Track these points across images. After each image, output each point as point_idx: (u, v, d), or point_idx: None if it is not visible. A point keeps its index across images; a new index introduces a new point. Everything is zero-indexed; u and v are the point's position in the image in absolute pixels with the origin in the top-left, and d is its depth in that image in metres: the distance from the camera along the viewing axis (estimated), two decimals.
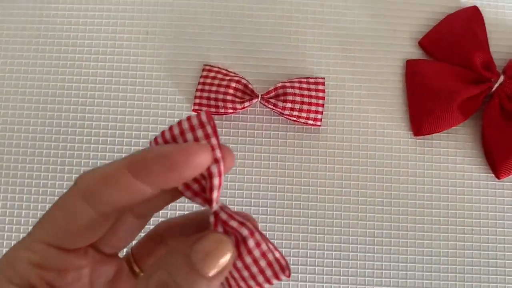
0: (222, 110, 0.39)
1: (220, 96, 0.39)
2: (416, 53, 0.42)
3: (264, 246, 0.23)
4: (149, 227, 0.31)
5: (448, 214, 0.40)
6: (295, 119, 0.40)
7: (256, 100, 0.39)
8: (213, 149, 0.22)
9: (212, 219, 0.23)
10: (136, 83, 0.42)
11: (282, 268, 0.24)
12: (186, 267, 0.21)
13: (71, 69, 0.42)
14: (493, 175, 0.41)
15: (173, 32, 0.42)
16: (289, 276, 0.23)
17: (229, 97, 0.39)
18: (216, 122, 0.41)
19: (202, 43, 0.42)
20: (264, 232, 0.39)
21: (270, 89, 0.40)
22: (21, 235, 0.40)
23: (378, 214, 0.40)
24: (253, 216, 0.40)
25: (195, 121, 0.23)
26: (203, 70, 0.41)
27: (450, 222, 0.40)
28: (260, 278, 0.24)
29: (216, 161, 0.22)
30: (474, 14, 0.41)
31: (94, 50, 0.42)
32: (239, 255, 0.23)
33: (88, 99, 0.41)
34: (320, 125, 0.40)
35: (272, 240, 0.40)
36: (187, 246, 0.22)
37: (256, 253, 0.23)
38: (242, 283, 0.24)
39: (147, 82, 0.42)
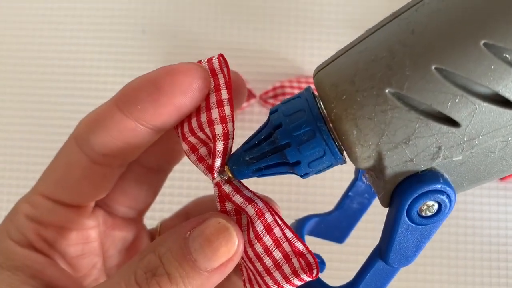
0: None
1: None
2: None
3: (277, 232, 0.18)
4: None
5: (450, 215, 0.40)
6: None
7: (254, 100, 0.39)
8: (221, 105, 0.18)
9: (216, 192, 0.19)
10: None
11: (306, 266, 0.18)
12: (181, 255, 0.18)
13: (66, 69, 0.41)
14: None
15: (169, 31, 0.42)
16: (315, 278, 0.18)
17: None
18: None
19: (199, 42, 0.42)
20: None
21: (268, 88, 0.39)
22: None
23: (377, 216, 0.39)
24: None
25: (204, 67, 0.19)
26: None
27: (451, 223, 0.40)
28: (278, 275, 0.19)
29: (223, 120, 0.18)
30: None
31: (89, 49, 0.42)
32: (250, 241, 0.18)
33: (84, 99, 0.41)
34: None
35: None
36: (186, 229, 0.18)
37: (267, 240, 0.18)
38: (259, 278, 0.19)
39: None
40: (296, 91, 0.39)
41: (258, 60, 0.41)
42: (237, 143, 0.42)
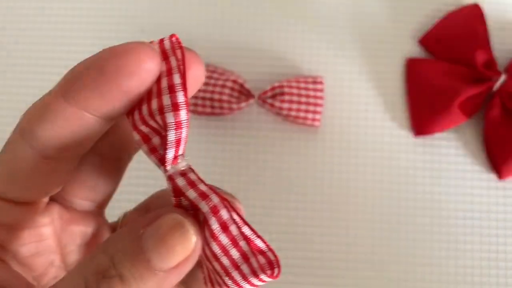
0: (218, 111, 0.39)
1: (216, 96, 0.38)
2: (416, 52, 0.42)
3: (234, 229, 0.17)
4: None
5: (449, 215, 0.40)
6: (292, 119, 0.39)
7: (252, 100, 0.39)
8: (173, 90, 0.16)
9: (169, 186, 0.17)
10: None
11: (270, 264, 0.17)
12: (134, 255, 0.16)
13: (65, 69, 0.41)
14: (495, 175, 0.40)
15: (169, 30, 0.42)
16: (276, 277, 0.17)
17: (225, 97, 0.38)
18: (212, 122, 0.40)
19: (198, 42, 0.42)
20: (260, 232, 0.38)
21: (267, 88, 0.39)
22: None
23: (377, 216, 0.39)
24: (250, 217, 0.39)
25: (156, 49, 0.17)
26: None
27: (450, 223, 0.39)
28: (237, 275, 0.17)
29: (175, 107, 0.16)
30: (475, 12, 0.40)
31: (88, 49, 0.41)
32: (205, 241, 0.17)
33: None
34: (318, 125, 0.40)
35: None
36: (139, 227, 0.17)
37: (223, 239, 0.17)
38: (219, 278, 0.18)
39: None
40: (295, 91, 0.39)
41: (256, 60, 0.41)
42: (234, 142, 0.42)
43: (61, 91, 0.17)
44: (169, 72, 0.17)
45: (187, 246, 0.16)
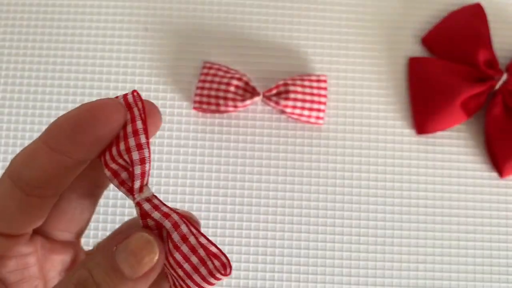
0: (223, 108, 0.39)
1: (221, 94, 0.38)
2: (419, 51, 0.42)
3: (192, 240, 0.21)
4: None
5: (451, 212, 0.40)
6: (296, 117, 0.39)
7: (257, 98, 0.39)
8: (137, 133, 0.20)
9: (137, 211, 0.21)
10: (136, 80, 0.41)
11: (220, 266, 0.21)
12: (108, 267, 0.20)
13: (69, 67, 0.41)
14: (496, 173, 0.40)
15: (173, 29, 0.42)
16: (228, 275, 0.21)
17: (230, 95, 0.38)
18: (217, 120, 0.40)
19: (203, 40, 0.42)
20: (265, 230, 0.38)
21: (271, 86, 0.39)
22: None
23: (380, 213, 0.40)
24: (254, 215, 0.39)
25: (120, 102, 0.21)
26: (203, 67, 0.40)
27: (452, 220, 0.40)
28: (197, 278, 0.21)
29: (139, 147, 0.20)
30: (477, 11, 0.41)
31: (92, 47, 0.41)
32: (170, 252, 0.21)
33: (85, 97, 0.41)
34: (322, 124, 0.40)
35: (272, 240, 0.39)
36: (112, 245, 0.20)
37: (184, 248, 0.21)
38: (182, 283, 0.22)
39: (147, 80, 0.41)
40: (299, 89, 0.39)
41: (261, 58, 0.41)
42: (239, 140, 0.42)
43: (45, 139, 0.21)
44: (133, 120, 0.21)
45: (152, 257, 0.20)
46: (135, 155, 0.20)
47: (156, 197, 0.21)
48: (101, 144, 0.21)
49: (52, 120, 0.39)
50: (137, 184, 0.21)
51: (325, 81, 0.40)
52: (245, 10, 0.42)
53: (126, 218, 0.38)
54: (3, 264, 0.23)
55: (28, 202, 0.22)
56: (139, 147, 0.20)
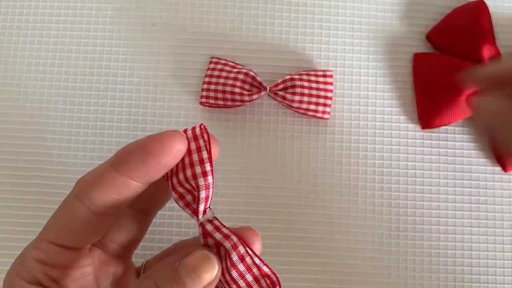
0: (230, 103, 0.39)
1: (228, 89, 0.39)
2: (424, 47, 0.42)
3: (248, 260, 0.24)
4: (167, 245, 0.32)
5: (455, 207, 0.40)
6: (303, 112, 0.40)
7: (264, 92, 0.39)
8: (203, 162, 0.23)
9: (200, 230, 0.24)
10: (142, 75, 0.41)
11: (272, 283, 0.24)
12: (173, 280, 0.22)
13: (76, 61, 0.41)
14: (500, 168, 0.41)
15: (180, 24, 0.42)
16: None
17: (237, 90, 0.39)
18: (223, 115, 0.41)
19: (209, 35, 0.42)
20: (271, 223, 0.39)
21: (278, 81, 0.39)
22: None
23: (386, 207, 0.40)
24: (261, 208, 0.39)
25: (189, 134, 0.24)
26: (210, 62, 0.41)
27: (457, 214, 0.40)
28: None
29: (204, 174, 0.23)
30: (480, 7, 0.41)
31: (99, 42, 0.41)
32: (227, 269, 0.24)
33: (93, 92, 0.41)
34: (328, 118, 0.40)
35: (279, 234, 0.39)
36: (175, 260, 0.23)
37: (241, 267, 0.24)
38: None
39: (153, 75, 0.41)
40: (306, 84, 0.39)
41: (268, 53, 0.42)
42: (246, 135, 0.42)
43: (114, 164, 0.23)
44: (199, 150, 0.24)
45: (212, 273, 0.23)
46: (201, 181, 0.23)
47: (216, 218, 0.24)
48: (165, 170, 0.24)
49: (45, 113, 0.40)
50: (201, 207, 0.23)
51: (331, 76, 0.40)
52: (252, 6, 0.42)
53: (165, 237, 0.39)
54: (67, 274, 0.25)
55: (93, 220, 0.24)
56: (205, 174, 0.23)
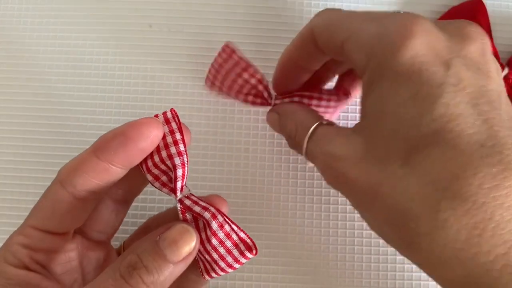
0: (232, 99, 0.36)
1: (235, 88, 0.35)
2: None
3: (227, 227, 0.26)
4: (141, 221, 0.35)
5: None
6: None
7: (268, 107, 0.36)
8: (177, 143, 0.25)
9: (178, 206, 0.26)
10: (140, 76, 0.41)
11: (249, 248, 0.26)
12: (154, 252, 0.23)
13: (74, 63, 0.41)
14: None
15: (178, 26, 0.42)
16: (255, 255, 0.26)
17: (240, 97, 0.35)
18: (228, 108, 0.41)
19: (204, 35, 0.42)
20: (276, 216, 0.39)
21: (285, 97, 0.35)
22: None
23: None
24: (267, 201, 0.39)
25: (161, 118, 0.26)
26: (223, 50, 0.36)
27: None
28: (229, 259, 0.26)
29: (179, 154, 0.25)
30: (477, 6, 0.41)
31: (96, 43, 0.41)
32: (207, 238, 0.25)
33: (90, 93, 0.41)
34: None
35: (276, 234, 0.39)
36: (156, 235, 0.24)
37: (220, 234, 0.25)
38: (214, 266, 0.26)
39: (150, 76, 0.41)
40: (314, 102, 0.37)
41: (267, 54, 0.42)
42: (254, 124, 0.41)
43: (94, 151, 0.25)
44: (172, 132, 0.25)
45: (191, 244, 0.24)
46: (177, 160, 0.25)
47: (192, 194, 0.26)
48: (143, 154, 0.25)
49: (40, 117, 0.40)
50: (178, 185, 0.25)
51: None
52: (247, 12, 0.42)
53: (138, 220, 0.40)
54: (52, 258, 0.27)
55: (76, 205, 0.26)
56: (180, 154, 0.25)
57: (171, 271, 0.24)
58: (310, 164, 0.27)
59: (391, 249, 0.39)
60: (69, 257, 0.28)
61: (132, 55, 0.41)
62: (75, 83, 0.41)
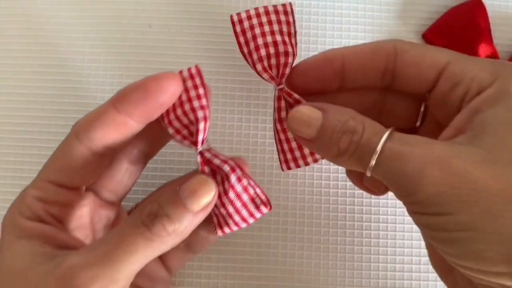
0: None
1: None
2: None
3: (245, 181, 0.26)
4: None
5: None
6: None
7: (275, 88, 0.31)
8: (200, 97, 0.25)
9: (198, 159, 0.26)
10: (140, 76, 0.41)
11: (264, 203, 0.27)
12: (174, 201, 0.24)
13: (73, 63, 0.41)
14: None
15: (177, 26, 0.42)
16: (269, 210, 0.27)
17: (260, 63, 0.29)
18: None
19: (203, 36, 0.42)
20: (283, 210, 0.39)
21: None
22: None
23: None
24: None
25: (185, 74, 0.26)
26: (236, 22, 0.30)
27: None
28: (244, 213, 0.26)
29: (202, 108, 0.25)
30: (477, 6, 0.41)
31: (96, 44, 0.42)
32: (224, 192, 0.26)
33: (89, 93, 0.41)
34: None
35: (280, 227, 0.39)
36: (175, 185, 0.25)
37: (238, 187, 0.26)
38: (229, 220, 0.26)
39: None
40: None
41: None
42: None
43: (114, 103, 0.24)
44: (195, 87, 0.25)
45: (210, 194, 0.24)
46: (200, 114, 0.25)
47: (212, 148, 0.26)
48: (161, 109, 0.25)
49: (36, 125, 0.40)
50: (200, 137, 0.25)
51: None
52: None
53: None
54: (66, 212, 0.27)
55: (91, 159, 0.25)
56: (202, 107, 0.25)
57: (191, 221, 0.24)
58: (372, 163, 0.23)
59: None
60: (81, 212, 0.28)
61: (132, 55, 0.41)
62: (75, 83, 0.41)
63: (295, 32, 0.27)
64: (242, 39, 0.27)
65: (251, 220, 0.27)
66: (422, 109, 0.28)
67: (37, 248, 0.24)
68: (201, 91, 0.25)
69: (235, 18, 0.27)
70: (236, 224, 0.27)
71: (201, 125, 0.25)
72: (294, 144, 0.27)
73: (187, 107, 0.25)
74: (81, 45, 0.42)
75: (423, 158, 0.21)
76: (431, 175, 0.21)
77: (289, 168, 0.28)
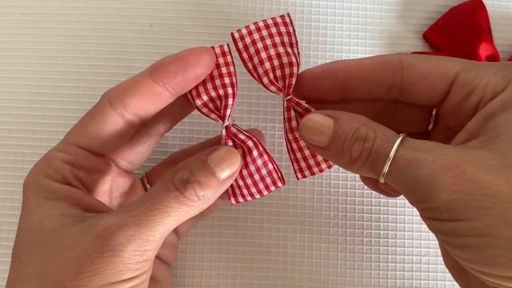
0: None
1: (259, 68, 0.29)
2: (421, 46, 0.42)
3: (265, 157, 0.28)
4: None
5: None
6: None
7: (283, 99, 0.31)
8: (231, 75, 0.27)
9: (224, 132, 0.27)
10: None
11: (279, 178, 0.28)
12: (204, 169, 0.25)
13: (73, 62, 0.41)
14: None
15: (178, 25, 0.42)
16: (283, 184, 0.28)
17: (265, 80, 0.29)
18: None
19: (203, 35, 0.42)
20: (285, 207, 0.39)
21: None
22: None
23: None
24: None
25: (218, 50, 0.27)
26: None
27: None
28: (261, 185, 0.28)
29: (232, 85, 0.27)
30: (478, 6, 0.41)
31: (96, 43, 0.42)
32: (245, 164, 0.27)
33: (90, 93, 0.41)
34: None
35: (286, 227, 0.39)
36: (204, 154, 0.26)
37: (259, 162, 0.27)
38: (245, 190, 0.28)
39: None
40: None
41: None
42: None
43: (151, 72, 0.25)
44: (227, 64, 0.27)
45: (236, 163, 0.26)
46: (229, 90, 0.26)
47: (236, 124, 0.28)
48: (196, 81, 0.26)
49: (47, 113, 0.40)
50: (228, 112, 0.27)
51: None
52: (255, 7, 0.43)
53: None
54: (93, 178, 0.28)
55: (122, 127, 0.26)
56: (232, 85, 0.27)
57: (218, 188, 0.25)
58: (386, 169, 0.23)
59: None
60: (103, 178, 0.28)
61: (133, 54, 0.41)
62: (75, 83, 0.41)
63: (297, 41, 0.28)
64: (245, 55, 0.28)
65: (265, 193, 0.28)
66: (433, 112, 0.29)
67: (66, 209, 0.24)
68: (231, 68, 0.27)
69: (236, 35, 0.27)
70: (251, 195, 0.28)
71: (230, 101, 0.26)
72: (307, 152, 0.28)
73: (218, 82, 0.26)
74: (82, 43, 0.42)
75: (436, 165, 0.21)
76: (444, 181, 0.20)
77: (304, 176, 0.28)
